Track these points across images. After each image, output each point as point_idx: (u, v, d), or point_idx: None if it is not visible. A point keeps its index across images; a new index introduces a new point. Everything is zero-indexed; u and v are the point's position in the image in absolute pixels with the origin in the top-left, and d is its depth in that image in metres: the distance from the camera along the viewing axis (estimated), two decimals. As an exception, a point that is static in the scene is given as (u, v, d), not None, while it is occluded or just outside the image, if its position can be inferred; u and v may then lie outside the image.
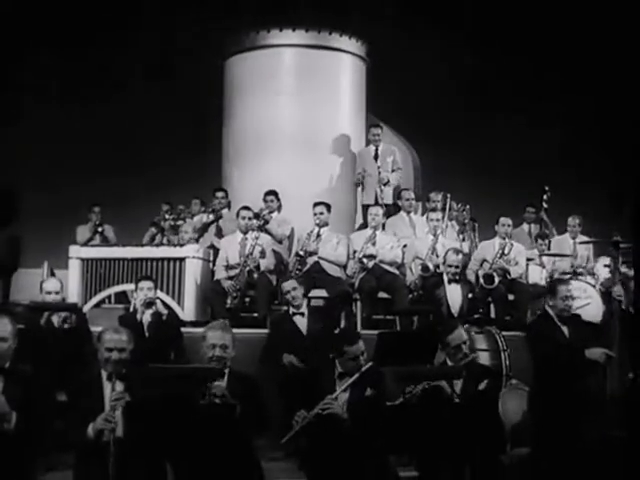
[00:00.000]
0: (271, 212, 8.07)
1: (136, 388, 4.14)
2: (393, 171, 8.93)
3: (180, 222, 8.41)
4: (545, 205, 9.31)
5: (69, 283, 7.25)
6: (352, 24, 9.11)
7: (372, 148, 9.00)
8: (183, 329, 6.35)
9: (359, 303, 7.31)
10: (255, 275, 7.19)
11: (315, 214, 7.59)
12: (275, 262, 7.52)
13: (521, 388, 5.55)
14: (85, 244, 8.32)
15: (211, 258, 7.71)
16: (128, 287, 7.13)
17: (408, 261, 7.68)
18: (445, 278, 7.00)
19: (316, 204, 7.66)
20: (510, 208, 9.23)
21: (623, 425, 4.47)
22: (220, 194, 8.49)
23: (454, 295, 6.91)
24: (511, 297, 7.53)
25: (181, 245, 7.46)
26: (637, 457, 3.91)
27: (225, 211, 8.40)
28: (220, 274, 7.37)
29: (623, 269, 6.97)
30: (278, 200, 8.25)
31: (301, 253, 7.41)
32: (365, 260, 7.33)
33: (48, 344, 5.54)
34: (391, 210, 8.67)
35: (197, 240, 8.31)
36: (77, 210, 9.26)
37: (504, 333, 6.11)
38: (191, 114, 9.78)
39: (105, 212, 9.19)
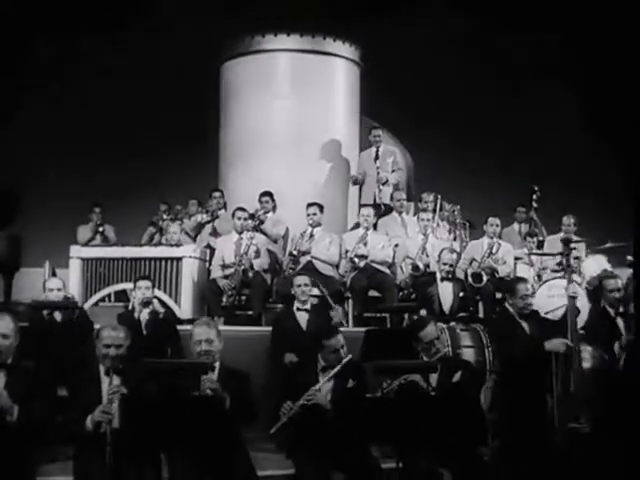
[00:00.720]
0: (266, 212, 8.26)
1: (132, 382, 4.36)
2: (393, 171, 9.11)
3: (178, 222, 8.61)
4: (535, 205, 9.49)
5: (70, 282, 7.44)
6: (346, 29, 9.25)
7: (373, 149, 9.20)
8: (180, 327, 6.48)
9: (351, 301, 7.50)
10: (250, 274, 7.38)
11: (308, 214, 7.79)
12: (270, 261, 7.71)
13: (503, 383, 5.74)
14: (86, 244, 8.53)
15: (207, 258, 7.91)
16: (127, 286, 7.28)
17: (399, 260, 7.88)
18: (438, 276, 7.17)
19: (309, 205, 7.85)
20: (502, 208, 9.49)
21: (587, 416, 4.71)
22: (217, 194, 8.71)
23: (446, 293, 7.09)
24: (499, 295, 7.62)
25: (178, 245, 7.65)
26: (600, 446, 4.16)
27: (221, 211, 8.61)
28: (216, 273, 7.56)
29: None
30: (273, 201, 8.42)
31: (294, 252, 7.59)
32: (356, 260, 7.51)
33: (50, 341, 5.72)
34: (386, 210, 8.86)
35: (194, 239, 8.56)
36: (78, 210, 9.42)
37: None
38: (189, 117, 9.89)
39: (106, 212, 9.36)
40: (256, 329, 7.13)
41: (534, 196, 9.39)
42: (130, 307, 6.49)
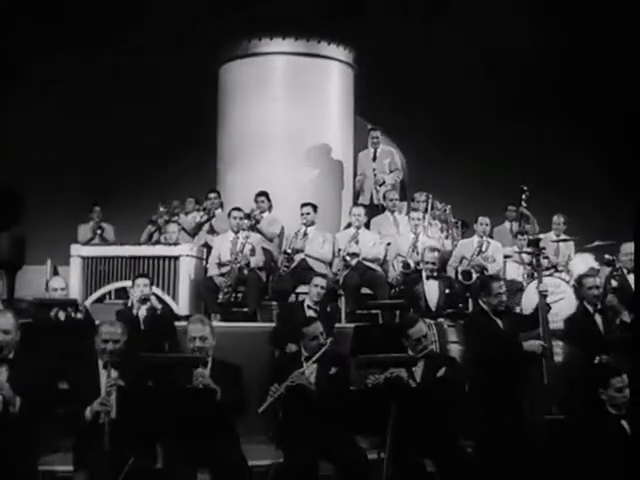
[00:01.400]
0: (262, 212, 8.44)
1: (129, 375, 4.59)
2: (391, 172, 9.29)
3: (175, 217, 8.81)
4: (524, 204, 9.67)
5: (71, 280, 7.64)
6: (340, 32, 9.43)
7: (371, 150, 9.37)
8: (177, 323, 6.69)
9: (343, 298, 7.70)
10: (245, 271, 7.58)
11: (302, 214, 7.98)
12: (265, 259, 7.91)
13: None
14: (86, 243, 8.73)
15: (204, 256, 8.11)
16: (126, 284, 7.44)
17: (391, 258, 8.06)
18: (423, 275, 7.36)
19: (303, 205, 8.05)
20: (493, 207, 9.70)
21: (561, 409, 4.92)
22: (213, 195, 8.91)
23: (432, 290, 7.26)
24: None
25: (175, 244, 7.86)
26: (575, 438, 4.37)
27: (218, 211, 8.81)
28: (213, 271, 7.77)
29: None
30: (269, 200, 8.61)
31: (289, 251, 7.80)
32: (348, 258, 7.71)
33: (52, 337, 5.87)
34: (382, 209, 9.00)
35: (193, 237, 8.77)
36: (79, 210, 9.63)
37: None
38: (188, 118, 10.11)
39: (105, 211, 9.57)
40: (251, 325, 7.32)
41: (523, 196, 9.56)
42: (129, 304, 6.69)
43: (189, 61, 9.70)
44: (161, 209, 9.03)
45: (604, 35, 9.84)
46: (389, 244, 8.22)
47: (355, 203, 8.85)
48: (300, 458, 4.62)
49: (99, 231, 9.38)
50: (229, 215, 8.01)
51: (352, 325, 6.82)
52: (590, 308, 6.04)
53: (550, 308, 6.00)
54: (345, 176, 9.67)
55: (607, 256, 7.53)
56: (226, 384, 4.62)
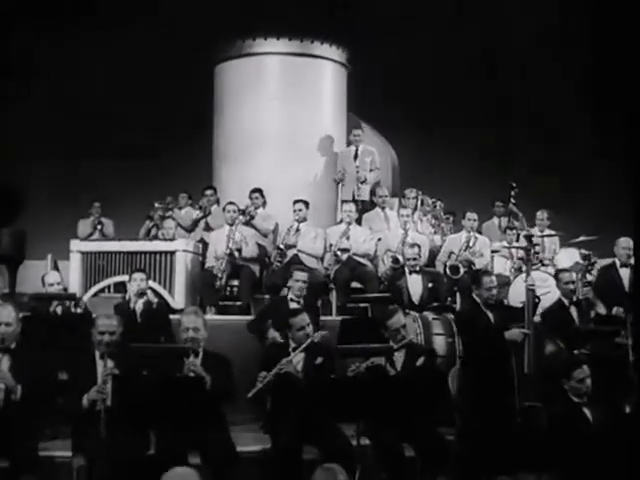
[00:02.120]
0: (256, 208, 8.63)
1: (124, 365, 4.83)
2: (371, 170, 9.47)
3: (169, 212, 9.03)
4: (513, 200, 9.88)
5: (70, 274, 7.90)
6: (333, 33, 9.63)
7: (352, 148, 9.55)
8: (173, 316, 6.86)
9: (334, 292, 7.94)
10: (236, 255, 7.78)
11: (295, 210, 8.21)
12: (258, 252, 8.12)
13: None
14: (85, 238, 8.97)
15: (200, 251, 8.34)
16: (124, 278, 7.59)
17: (381, 253, 8.28)
18: (406, 270, 7.56)
19: (296, 201, 8.27)
20: (483, 203, 9.92)
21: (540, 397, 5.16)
22: (209, 192, 9.16)
23: (414, 285, 7.45)
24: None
25: (172, 240, 8.09)
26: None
27: (214, 207, 9.03)
28: (210, 263, 8.01)
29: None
30: (263, 197, 8.78)
31: (281, 246, 8.04)
32: (339, 253, 7.94)
33: (51, 330, 6.13)
34: (367, 206, 9.22)
35: (189, 233, 9.00)
36: (78, 205, 9.83)
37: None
38: (185, 116, 10.31)
39: (105, 207, 9.79)
40: (244, 318, 7.46)
41: (512, 192, 9.78)
42: (127, 298, 6.91)
43: (186, 61, 9.89)
44: (156, 205, 9.23)
45: (597, 28, 10.00)
46: (379, 240, 8.43)
47: (346, 200, 9.04)
48: (286, 443, 4.86)
49: (99, 226, 9.60)
50: (224, 209, 8.25)
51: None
52: (566, 301, 6.30)
53: (539, 301, 6.24)
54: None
55: (583, 251, 7.75)
56: (216, 374, 4.86)
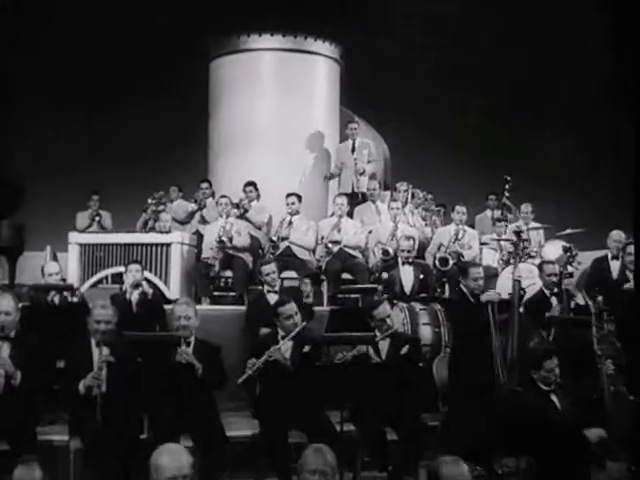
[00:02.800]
0: (250, 201, 8.83)
1: (119, 352, 5.04)
2: (369, 162, 9.67)
3: (161, 207, 9.22)
4: (507, 194, 10.06)
5: (68, 265, 8.06)
6: (326, 29, 9.80)
7: (350, 142, 9.74)
8: (168, 306, 6.92)
9: (325, 283, 8.12)
10: (226, 243, 7.96)
11: (287, 204, 8.39)
12: (251, 243, 8.30)
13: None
14: (83, 230, 9.17)
15: (195, 244, 8.53)
16: (121, 269, 7.71)
17: (371, 245, 8.48)
18: (399, 261, 7.74)
19: (288, 195, 8.45)
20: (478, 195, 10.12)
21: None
22: (205, 185, 9.35)
23: (407, 276, 7.63)
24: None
25: (167, 232, 8.28)
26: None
27: (209, 200, 9.22)
28: (206, 254, 8.18)
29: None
30: (257, 190, 8.97)
31: (274, 239, 8.23)
32: (331, 245, 8.13)
33: (50, 319, 6.31)
34: (367, 197, 9.41)
35: (184, 225, 9.20)
36: (77, 198, 10.00)
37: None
38: (181, 111, 10.45)
39: (103, 199, 9.97)
40: (239, 308, 7.64)
41: (506, 186, 9.96)
42: (123, 289, 7.11)
43: (182, 56, 10.05)
44: (149, 201, 9.43)
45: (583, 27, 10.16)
46: (370, 232, 8.62)
47: (339, 193, 9.22)
48: (274, 428, 5.08)
49: (97, 218, 9.79)
50: (217, 202, 8.45)
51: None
52: (547, 292, 6.52)
53: (525, 293, 6.45)
54: (331, 166, 10.00)
55: (564, 243, 7.95)
56: (207, 361, 5.07)
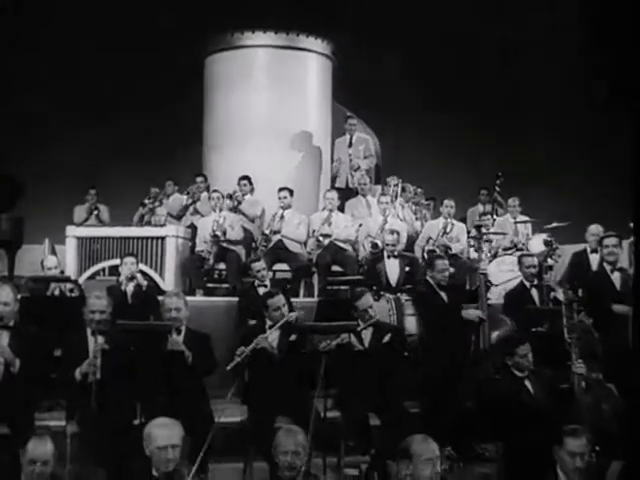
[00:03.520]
0: (244, 195, 9.05)
1: (113, 341, 5.26)
2: (365, 157, 9.89)
3: (157, 203, 9.44)
4: (498, 189, 10.27)
5: (66, 258, 8.33)
6: (318, 26, 10.00)
7: (347, 137, 9.99)
8: (161, 297, 7.23)
9: (316, 275, 8.34)
10: (220, 237, 8.18)
11: (280, 198, 8.60)
12: (243, 236, 8.52)
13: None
14: (81, 224, 9.38)
15: (190, 237, 8.77)
16: (117, 262, 7.92)
17: (361, 239, 8.68)
18: (385, 254, 7.94)
19: (280, 189, 8.66)
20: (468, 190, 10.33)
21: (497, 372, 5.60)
22: (199, 179, 9.58)
23: (392, 268, 7.82)
24: (452, 270, 8.44)
25: (162, 226, 8.51)
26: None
27: (204, 194, 9.45)
28: (200, 247, 8.41)
29: None
30: (251, 184, 9.19)
31: (266, 232, 8.45)
32: (321, 238, 8.33)
33: (49, 310, 6.49)
34: (355, 192, 9.61)
35: (179, 220, 9.42)
36: (74, 192, 10.23)
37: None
38: (177, 106, 10.65)
39: (101, 193, 10.16)
40: (232, 299, 7.80)
41: (498, 181, 10.18)
42: (120, 280, 7.32)
43: (178, 53, 10.27)
44: (145, 201, 9.63)
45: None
46: (360, 225, 8.81)
47: (330, 187, 9.43)
48: (261, 414, 5.31)
49: (95, 212, 10.00)
50: (209, 197, 8.67)
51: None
52: (527, 284, 6.74)
53: (491, 285, 6.66)
54: (323, 161, 10.23)
55: (545, 237, 8.15)
56: (197, 349, 5.30)
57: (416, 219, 9.74)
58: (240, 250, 8.40)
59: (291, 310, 5.80)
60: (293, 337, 5.54)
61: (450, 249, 8.67)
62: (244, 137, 9.89)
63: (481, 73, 11.04)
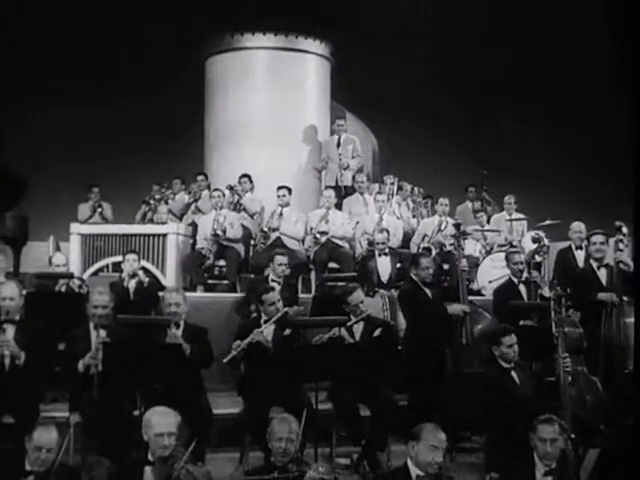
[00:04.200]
0: (245, 192, 9.28)
1: (114, 334, 5.47)
2: (353, 157, 10.09)
3: (163, 202, 9.63)
4: (485, 187, 10.49)
5: (70, 255, 8.50)
6: (316, 27, 10.19)
7: (335, 137, 10.18)
8: (162, 293, 7.47)
9: (313, 272, 8.53)
10: (220, 235, 8.36)
11: (278, 196, 8.77)
12: (242, 234, 8.71)
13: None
14: (85, 222, 9.59)
15: (191, 234, 8.96)
16: (119, 259, 8.04)
17: (358, 236, 8.87)
18: (376, 252, 8.11)
19: (279, 187, 8.83)
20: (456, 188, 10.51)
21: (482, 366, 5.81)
22: (200, 177, 9.79)
23: (384, 266, 8.02)
24: (446, 266, 8.64)
25: (164, 223, 8.71)
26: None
27: (205, 192, 9.66)
28: (200, 244, 8.61)
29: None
30: (251, 182, 9.43)
31: (265, 229, 8.65)
32: (319, 236, 8.52)
33: (54, 305, 6.63)
34: (350, 191, 9.82)
35: (180, 218, 9.62)
36: (78, 190, 10.37)
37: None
38: (179, 107, 10.85)
39: (104, 191, 10.35)
40: (231, 295, 8.06)
41: (483, 179, 10.42)
42: (122, 276, 7.52)
43: (179, 54, 10.47)
44: (156, 196, 9.80)
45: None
46: (357, 223, 9.00)
47: (326, 186, 9.63)
48: (256, 405, 5.52)
49: (99, 209, 10.19)
50: (210, 196, 8.86)
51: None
52: (515, 280, 6.94)
53: (470, 282, 6.85)
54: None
55: (533, 234, 8.33)
56: (195, 343, 5.50)
57: (413, 217, 9.92)
58: (239, 247, 8.59)
59: (296, 305, 5.98)
60: (287, 331, 5.74)
61: (445, 246, 8.84)
62: (244, 136, 10.13)
63: (481, 73, 11.17)
